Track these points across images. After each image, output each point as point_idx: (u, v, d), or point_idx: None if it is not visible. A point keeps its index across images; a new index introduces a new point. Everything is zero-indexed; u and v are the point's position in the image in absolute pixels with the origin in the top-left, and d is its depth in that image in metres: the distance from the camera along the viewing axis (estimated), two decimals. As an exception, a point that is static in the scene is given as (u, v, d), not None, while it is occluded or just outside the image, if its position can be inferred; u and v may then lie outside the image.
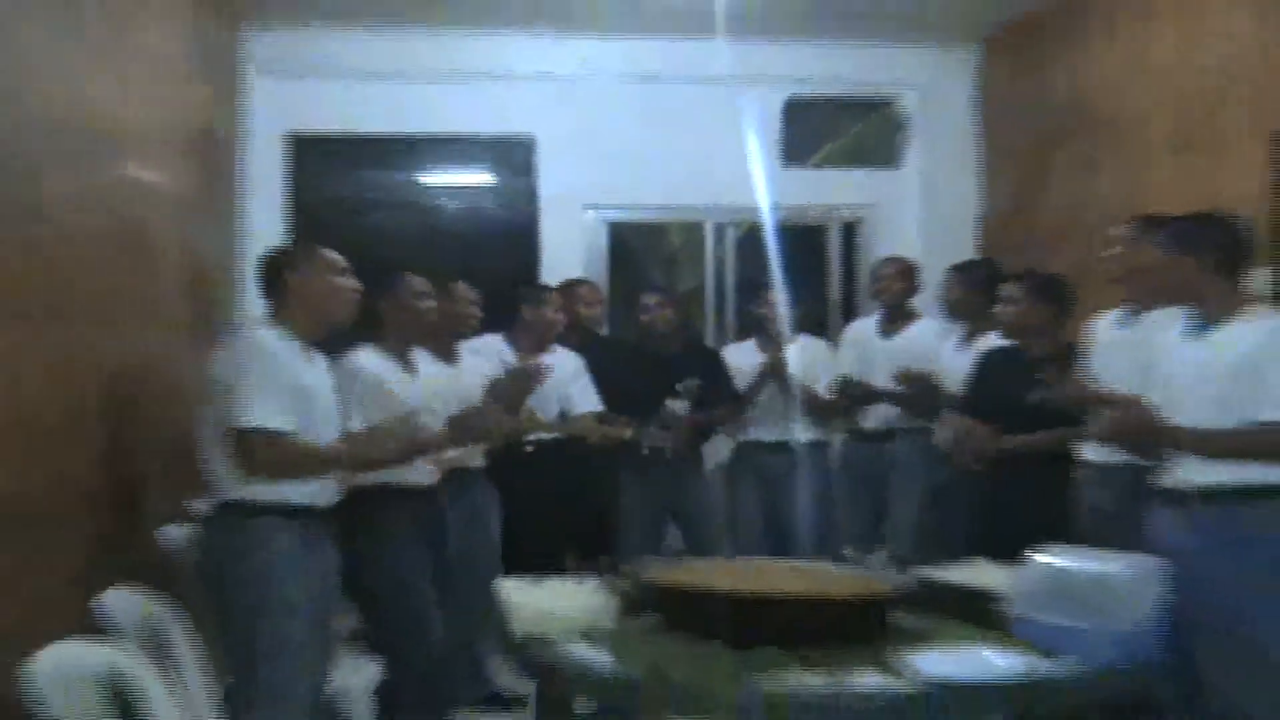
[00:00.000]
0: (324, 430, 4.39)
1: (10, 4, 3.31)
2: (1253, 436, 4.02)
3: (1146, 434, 4.18)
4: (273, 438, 4.16)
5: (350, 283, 4.56)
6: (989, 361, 5.92)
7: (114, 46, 4.41)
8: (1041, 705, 3.57)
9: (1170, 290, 4.38)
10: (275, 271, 4.50)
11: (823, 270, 8.91)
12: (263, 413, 4.14)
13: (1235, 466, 4.06)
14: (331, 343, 4.74)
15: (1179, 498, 4.17)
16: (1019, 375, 5.37)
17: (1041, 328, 5.69)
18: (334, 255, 4.55)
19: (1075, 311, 5.70)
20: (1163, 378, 4.29)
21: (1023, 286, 5.82)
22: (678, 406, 6.66)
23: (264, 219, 7.84)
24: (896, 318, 7.09)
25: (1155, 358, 4.41)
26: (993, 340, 6.02)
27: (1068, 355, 5.42)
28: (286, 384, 4.24)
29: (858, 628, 3.65)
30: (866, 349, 7.06)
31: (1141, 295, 5.09)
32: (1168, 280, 4.35)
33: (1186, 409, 4.12)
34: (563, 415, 6.54)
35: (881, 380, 6.82)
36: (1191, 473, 4.13)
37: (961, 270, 6.79)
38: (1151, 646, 3.54)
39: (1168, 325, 4.63)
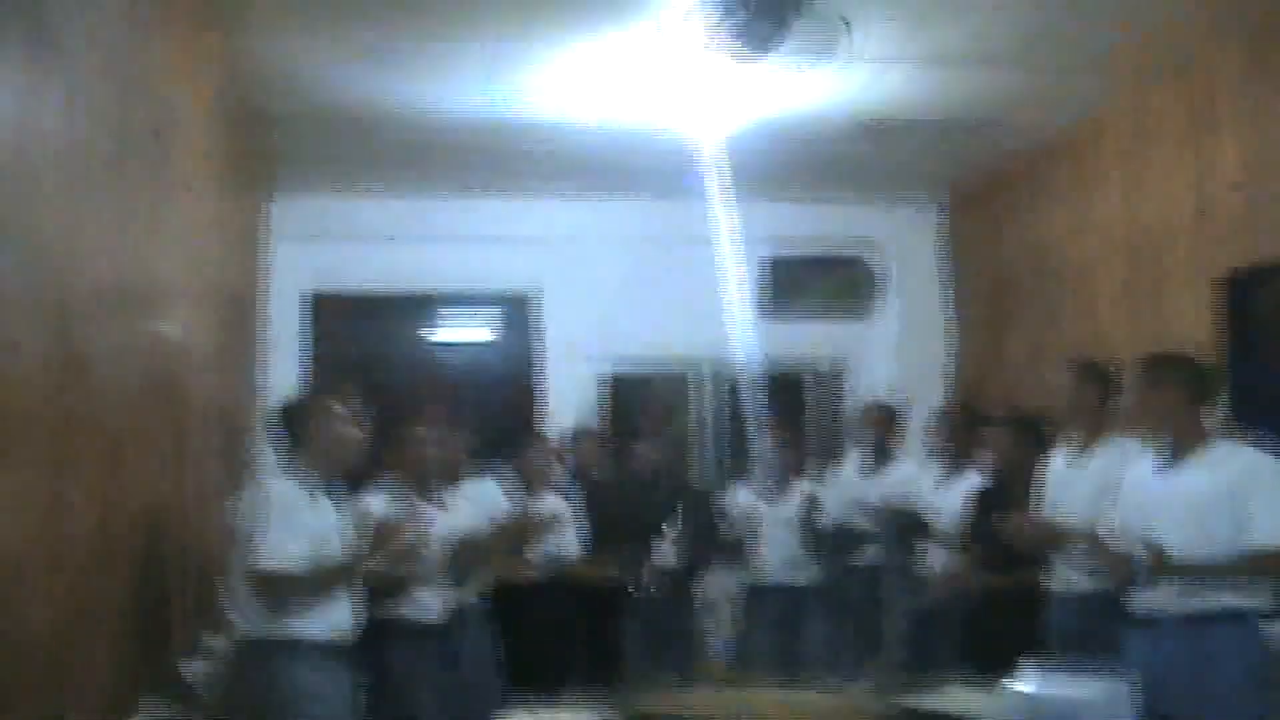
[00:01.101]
0: None
1: (67, 180, 3.37)
2: (1244, 562, 4.04)
3: (1163, 573, 4.17)
4: (286, 577, 4.17)
5: (357, 431, 4.58)
6: (977, 501, 5.93)
7: (152, 214, 4.47)
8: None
9: (1147, 422, 4.39)
10: (289, 421, 4.54)
11: (804, 416, 8.94)
12: (276, 555, 4.16)
13: (1206, 593, 4.08)
14: (345, 484, 4.76)
15: (1154, 622, 4.19)
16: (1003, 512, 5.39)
17: (1023, 466, 5.71)
18: (341, 405, 4.58)
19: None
20: (1136, 508, 4.29)
21: (1004, 429, 5.87)
22: (665, 548, 6.66)
23: (284, 372, 7.89)
24: (879, 459, 7.10)
25: (1124, 489, 4.42)
26: (974, 479, 6.05)
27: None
28: (298, 527, 4.26)
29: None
30: (852, 489, 7.06)
31: (1076, 435, 5.15)
32: (1146, 413, 4.36)
33: (1165, 536, 4.13)
34: (550, 559, 6.51)
35: (866, 520, 6.81)
36: (1166, 600, 4.14)
37: (948, 414, 6.83)
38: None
39: (1121, 459, 4.66)
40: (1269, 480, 4.09)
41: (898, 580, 6.65)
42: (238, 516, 4.29)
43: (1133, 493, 4.38)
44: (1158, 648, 4.16)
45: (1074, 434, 5.21)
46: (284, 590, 4.19)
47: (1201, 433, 4.30)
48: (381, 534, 4.53)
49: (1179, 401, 4.29)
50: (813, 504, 6.99)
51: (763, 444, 7.21)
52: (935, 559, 6.28)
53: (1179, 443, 4.28)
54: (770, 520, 7.04)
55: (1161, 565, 4.07)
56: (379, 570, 4.54)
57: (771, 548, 7.01)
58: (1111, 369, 5.22)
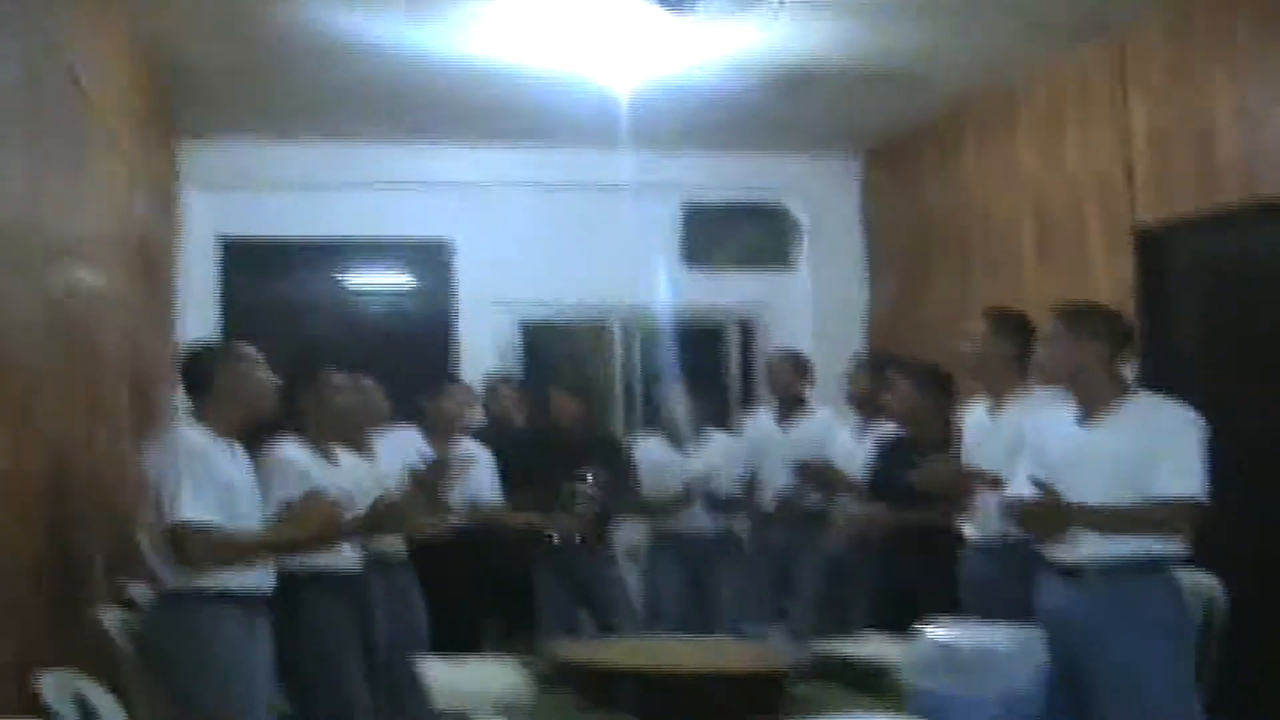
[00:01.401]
0: (248, 521, 4.36)
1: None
2: (1149, 511, 4.08)
3: (1060, 519, 4.21)
4: (202, 532, 4.14)
5: (269, 377, 4.54)
6: (882, 449, 6.00)
7: (64, 159, 4.41)
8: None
9: (1065, 374, 4.41)
10: (198, 368, 4.48)
11: (722, 366, 8.98)
12: (192, 508, 4.12)
13: (1126, 541, 4.12)
14: (254, 436, 4.71)
15: (1073, 571, 4.21)
16: (909, 461, 5.43)
17: (927, 415, 5.76)
18: (252, 350, 4.53)
19: (958, 399, 5.79)
20: (1055, 460, 4.31)
21: (906, 377, 5.91)
22: (584, 490, 6.68)
23: (198, 321, 7.81)
24: (792, 409, 7.14)
25: (1042, 441, 4.44)
26: (887, 428, 6.11)
27: (953, 441, 5.48)
28: (213, 479, 4.22)
29: (758, 699, 3.66)
30: (765, 441, 7.10)
31: (992, 386, 5.21)
32: (1065, 365, 4.38)
33: (1083, 489, 4.15)
34: (470, 505, 6.49)
35: (780, 470, 6.87)
36: (1086, 548, 4.17)
37: (863, 363, 6.90)
38: (1033, 709, 3.57)
39: (1036, 411, 4.70)
40: (1176, 435, 4.15)
41: (812, 529, 6.69)
42: (151, 468, 4.25)
43: (1050, 445, 4.41)
44: (1076, 597, 4.19)
45: (990, 385, 5.26)
46: (198, 549, 4.15)
47: (1118, 386, 4.34)
48: (305, 507, 4.51)
49: (1097, 354, 4.30)
50: (719, 458, 7.06)
51: (675, 394, 7.24)
52: (848, 508, 6.33)
53: (1096, 395, 4.30)
54: (682, 470, 7.09)
55: (1066, 513, 4.10)
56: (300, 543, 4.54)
57: (685, 496, 7.06)
58: (1029, 320, 5.28)
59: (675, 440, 7.19)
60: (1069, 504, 4.11)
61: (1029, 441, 4.52)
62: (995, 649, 3.63)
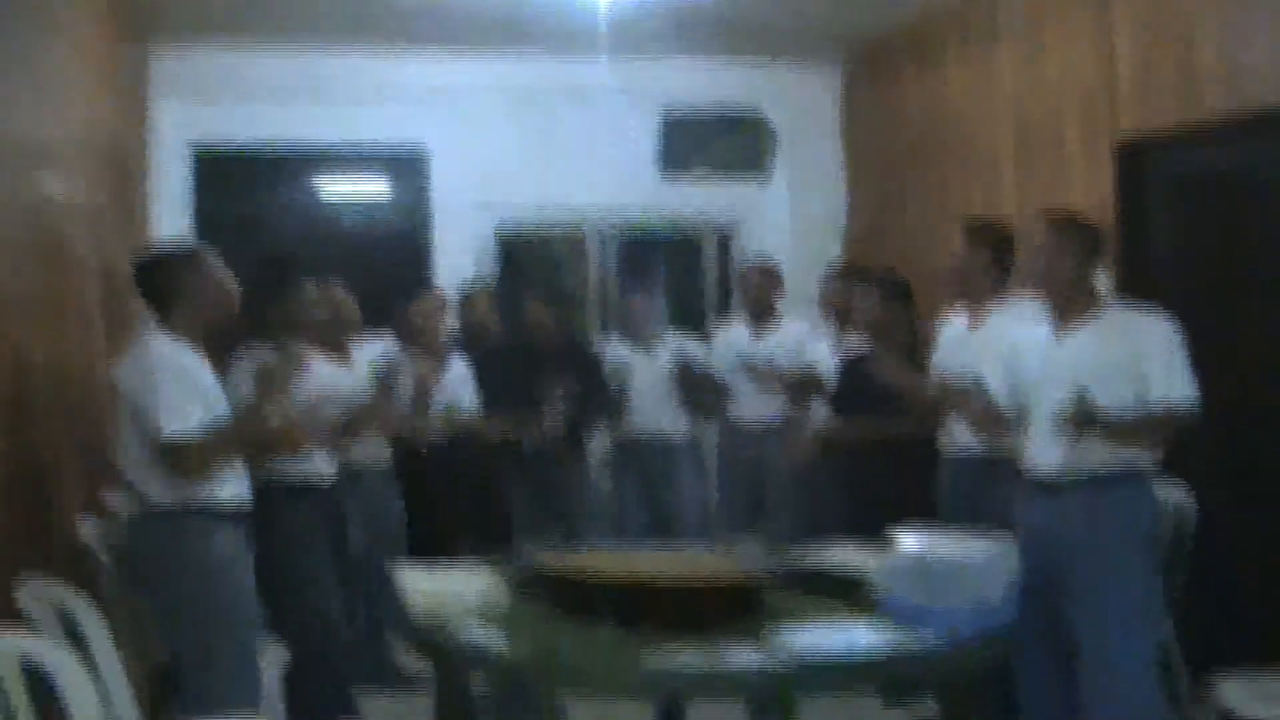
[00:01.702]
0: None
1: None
2: (1150, 419, 4.11)
3: (995, 417, 4.29)
4: (193, 442, 4.12)
5: (231, 280, 4.48)
6: (850, 366, 6.01)
7: (27, 64, 4.35)
8: (905, 675, 3.64)
9: (1044, 284, 4.38)
10: (160, 274, 4.42)
11: (699, 276, 8.97)
12: (179, 420, 4.10)
13: (1101, 454, 4.14)
14: (224, 344, 4.68)
15: (1048, 484, 4.25)
16: (876, 376, 5.45)
17: (893, 325, 5.77)
18: (212, 254, 4.47)
19: (918, 307, 5.82)
20: (1033, 371, 4.33)
21: (871, 288, 5.92)
22: (557, 399, 6.69)
23: (171, 230, 7.75)
24: (764, 319, 7.13)
25: (1019, 353, 4.45)
26: (855, 341, 6.12)
27: (920, 349, 5.50)
28: (192, 388, 4.21)
29: (733, 609, 3.68)
30: (738, 350, 7.10)
31: (970, 296, 5.21)
32: (1043, 275, 4.36)
33: (1063, 399, 4.14)
34: (446, 414, 6.51)
35: (750, 381, 6.91)
36: (1062, 460, 4.20)
37: (837, 273, 6.89)
38: (1005, 619, 3.61)
39: (1013, 323, 4.70)
40: (1162, 343, 4.16)
41: (786, 439, 6.71)
42: (128, 380, 4.21)
43: (1028, 356, 4.42)
44: (1051, 509, 4.24)
45: (969, 296, 5.26)
46: (193, 459, 4.14)
47: (1095, 297, 4.35)
48: (263, 376, 4.46)
49: (1075, 264, 4.31)
50: (684, 360, 7.07)
51: (646, 300, 7.25)
52: (819, 421, 6.35)
53: (1075, 306, 4.31)
54: (643, 374, 7.10)
55: (1086, 419, 4.09)
56: (270, 419, 4.51)
57: (644, 402, 7.08)
58: (1007, 230, 5.27)
59: (642, 347, 7.19)
60: (1107, 417, 4.10)
61: (1003, 353, 4.53)
62: (968, 560, 3.65)
